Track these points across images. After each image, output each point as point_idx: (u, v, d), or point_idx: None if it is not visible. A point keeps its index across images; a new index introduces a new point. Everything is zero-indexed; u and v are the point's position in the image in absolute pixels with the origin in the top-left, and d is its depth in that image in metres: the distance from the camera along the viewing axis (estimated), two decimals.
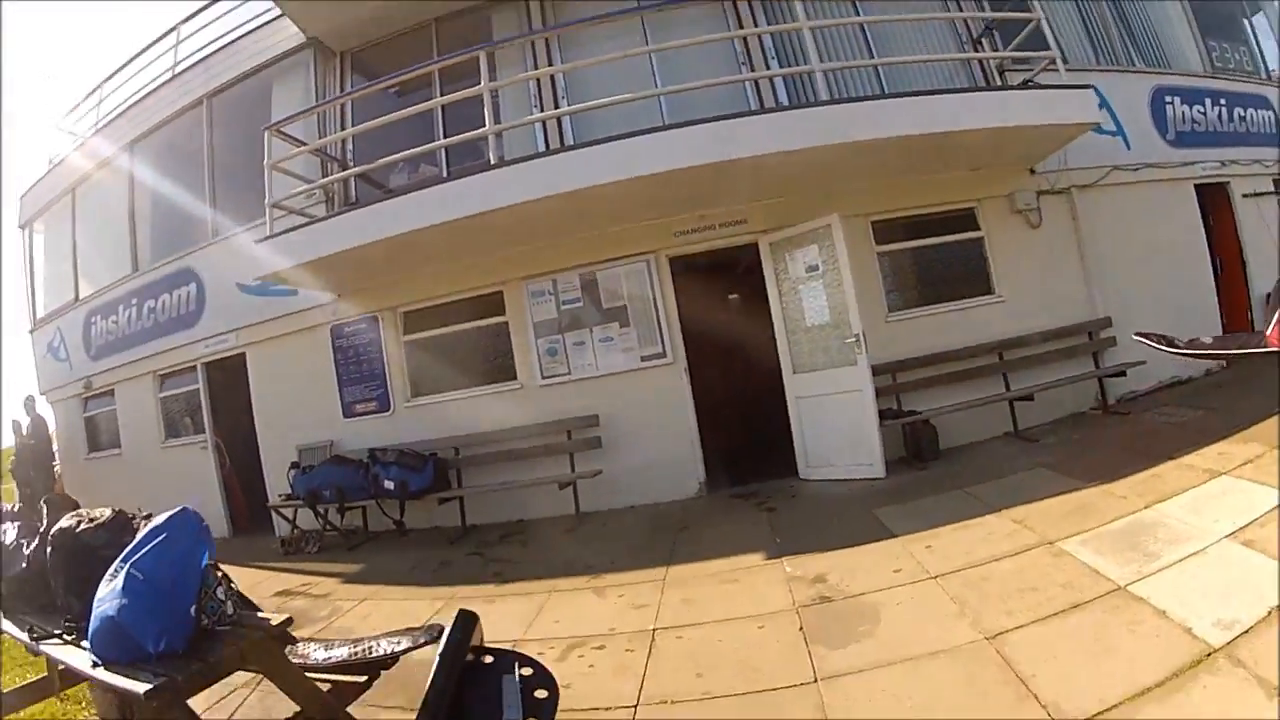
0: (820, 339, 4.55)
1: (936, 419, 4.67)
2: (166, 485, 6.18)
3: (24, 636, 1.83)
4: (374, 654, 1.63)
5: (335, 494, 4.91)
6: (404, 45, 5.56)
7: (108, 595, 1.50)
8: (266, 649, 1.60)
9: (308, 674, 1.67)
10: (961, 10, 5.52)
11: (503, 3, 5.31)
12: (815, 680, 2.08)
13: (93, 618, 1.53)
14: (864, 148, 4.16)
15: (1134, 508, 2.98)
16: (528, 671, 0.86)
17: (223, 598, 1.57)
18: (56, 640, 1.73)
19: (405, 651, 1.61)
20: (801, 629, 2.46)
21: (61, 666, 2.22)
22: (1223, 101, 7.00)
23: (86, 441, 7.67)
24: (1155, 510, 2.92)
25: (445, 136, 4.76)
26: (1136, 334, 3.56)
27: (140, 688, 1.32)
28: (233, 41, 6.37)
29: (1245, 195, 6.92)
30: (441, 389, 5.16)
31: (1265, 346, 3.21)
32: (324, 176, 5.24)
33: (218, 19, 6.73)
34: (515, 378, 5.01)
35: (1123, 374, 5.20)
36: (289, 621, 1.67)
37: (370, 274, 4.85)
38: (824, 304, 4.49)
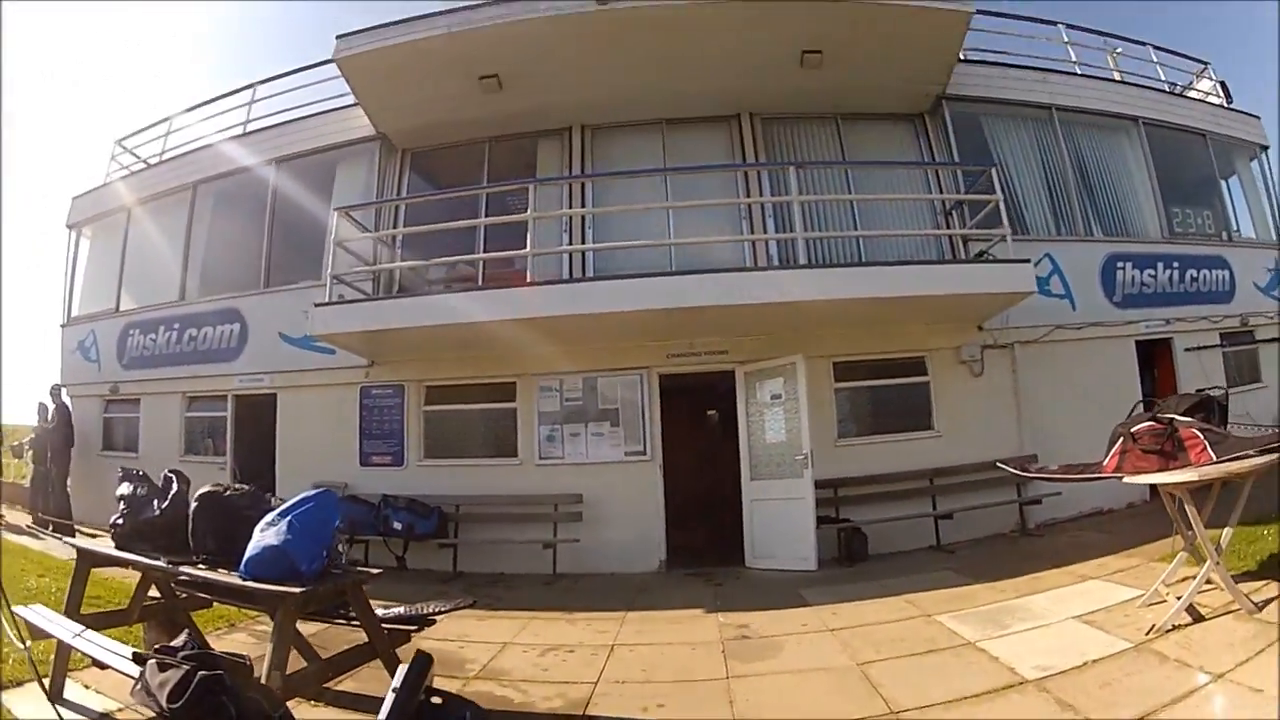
0: (776, 454, 5.88)
1: (868, 528, 5.96)
2: None
3: (160, 563, 2.87)
4: (419, 613, 2.96)
5: (348, 526, 6.12)
6: (459, 154, 7.06)
7: (271, 534, 2.49)
8: (359, 590, 2.71)
9: None
10: (941, 191, 7.00)
11: (548, 136, 6.82)
12: (727, 678, 3.22)
13: (253, 547, 2.49)
14: (834, 303, 5.58)
15: (1006, 597, 4.11)
16: (475, 717, 0.95)
17: (340, 551, 2.77)
18: (199, 565, 2.75)
19: (439, 613, 2.90)
20: (723, 651, 3.61)
21: (146, 602, 3.36)
22: (1175, 265, 8.44)
23: (102, 439, 8.87)
24: (1023, 600, 4.02)
25: (485, 243, 6.17)
26: (999, 461, 4.55)
27: (294, 590, 2.35)
28: (306, 117, 7.86)
29: (1187, 349, 8.31)
30: (451, 454, 6.46)
31: (1101, 473, 4.28)
32: (374, 258, 6.63)
33: (293, 90, 8.25)
34: (516, 454, 6.33)
35: (1039, 502, 6.50)
36: (379, 575, 2.89)
37: (404, 349, 6.19)
38: (782, 426, 5.84)
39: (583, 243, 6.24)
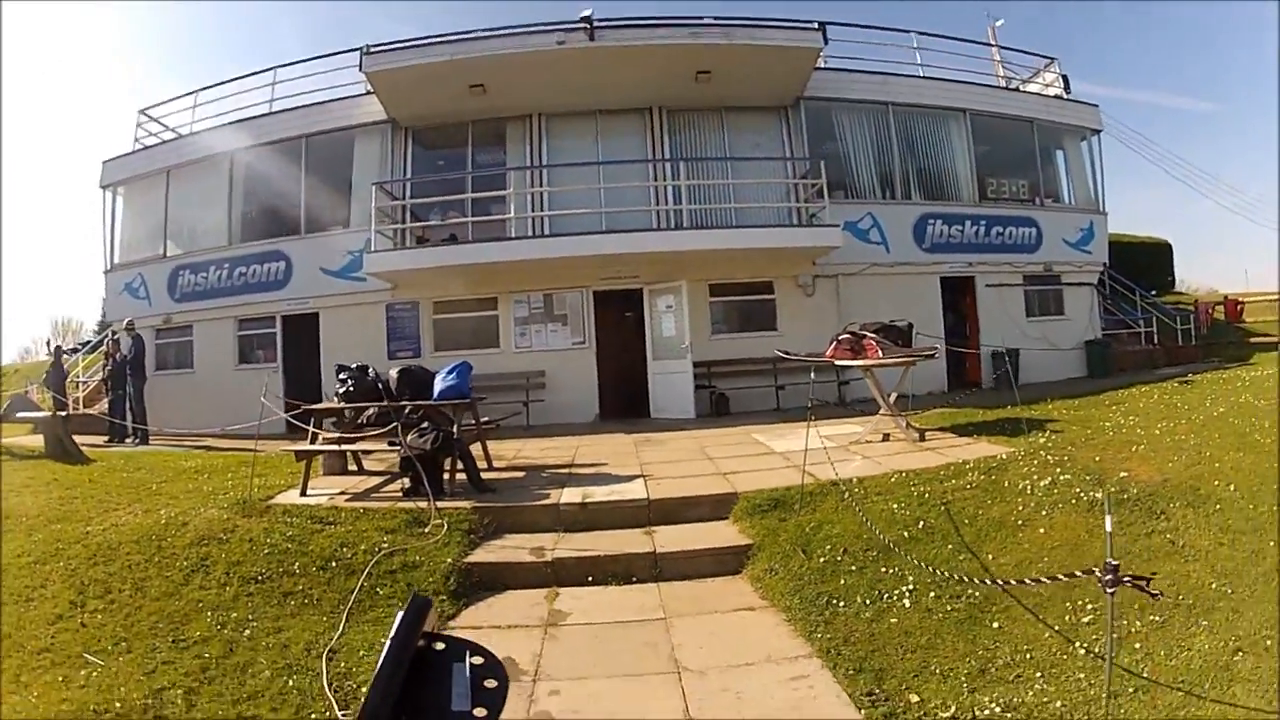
0: (669, 344, 10.41)
1: (731, 393, 10.61)
2: (239, 396, 11.42)
3: (384, 403, 7.13)
4: (492, 419, 7.55)
5: None
6: (449, 131, 11.22)
7: (451, 378, 6.63)
8: (475, 406, 7.08)
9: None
10: (794, 171, 11.54)
11: (514, 120, 11.03)
12: (637, 452, 7.77)
13: (439, 386, 6.66)
14: (705, 251, 10.06)
15: (795, 429, 8.58)
16: (478, 660, 0.85)
17: (470, 386, 7.09)
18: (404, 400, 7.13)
19: (501, 420, 7.54)
20: (635, 446, 8.24)
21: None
22: (982, 222, 13.19)
23: (155, 362, 12.73)
24: (799, 429, 8.43)
25: (473, 207, 10.41)
26: (777, 349, 9.29)
27: (466, 400, 6.64)
28: (327, 101, 11.76)
29: (988, 285, 13.16)
30: (455, 347, 10.78)
31: (823, 359, 8.83)
32: (393, 215, 10.77)
33: (310, 75, 12.09)
34: (499, 346, 10.76)
35: (847, 383, 11.26)
36: (485, 398, 7.56)
37: (423, 278, 10.40)
38: (673, 326, 10.35)
39: (541, 209, 10.58)
